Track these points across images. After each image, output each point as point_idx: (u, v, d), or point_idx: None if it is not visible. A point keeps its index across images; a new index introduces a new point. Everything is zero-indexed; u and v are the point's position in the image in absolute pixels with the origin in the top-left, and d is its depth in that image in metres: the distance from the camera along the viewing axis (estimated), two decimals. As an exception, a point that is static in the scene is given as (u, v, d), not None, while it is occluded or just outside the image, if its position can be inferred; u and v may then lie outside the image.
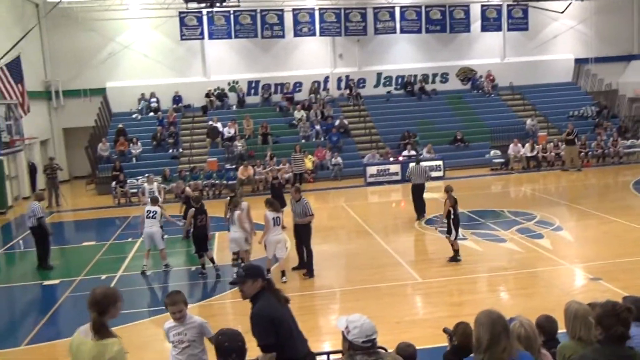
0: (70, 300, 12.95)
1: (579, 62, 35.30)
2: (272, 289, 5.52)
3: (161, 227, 14.83)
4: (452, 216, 13.78)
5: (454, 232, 13.76)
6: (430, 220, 18.08)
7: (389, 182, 25.59)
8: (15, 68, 24.79)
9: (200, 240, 13.97)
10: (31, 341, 10.67)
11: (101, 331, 4.59)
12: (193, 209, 13.98)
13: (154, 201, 15.02)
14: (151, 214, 14.46)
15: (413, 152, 26.82)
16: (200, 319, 6.18)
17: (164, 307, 6.50)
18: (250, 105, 32.48)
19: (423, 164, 19.96)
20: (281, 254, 13.17)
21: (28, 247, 18.86)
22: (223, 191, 24.39)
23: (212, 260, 14.19)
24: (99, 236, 19.19)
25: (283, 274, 13.18)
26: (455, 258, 13.80)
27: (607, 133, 29.19)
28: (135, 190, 24.66)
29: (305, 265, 13.57)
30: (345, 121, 30.36)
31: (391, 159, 26.80)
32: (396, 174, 25.63)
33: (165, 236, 15.15)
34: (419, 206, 18.54)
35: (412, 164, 19.94)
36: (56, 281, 14.33)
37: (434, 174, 26.01)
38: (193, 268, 14.84)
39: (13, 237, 20.11)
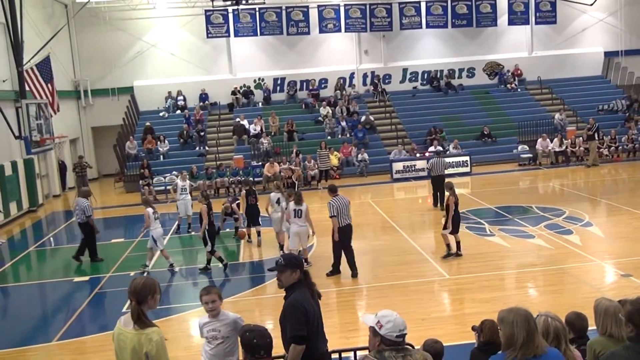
0: (100, 297, 13.14)
1: (608, 55, 34.70)
2: (308, 282, 5.56)
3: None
4: (452, 213, 13.82)
5: (450, 227, 13.80)
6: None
7: (416, 178, 25.48)
8: (45, 68, 25.21)
9: (212, 236, 14.20)
10: (62, 337, 10.84)
11: (140, 320, 4.63)
12: (204, 206, 14.17)
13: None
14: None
15: (440, 148, 26.64)
16: (234, 314, 6.17)
17: (190, 304, 6.55)
18: (275, 102, 32.58)
19: (446, 159, 20.85)
20: (305, 245, 13.89)
21: (59, 244, 19.26)
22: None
23: (220, 258, 14.37)
24: (128, 233, 19.45)
25: (306, 260, 13.67)
26: (448, 254, 13.84)
27: (638, 127, 28.66)
28: (162, 188, 24.91)
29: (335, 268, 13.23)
30: (371, 117, 30.29)
31: (417, 154, 26.68)
32: (423, 169, 25.50)
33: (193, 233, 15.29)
34: (440, 196, 19.37)
35: (432, 159, 20.96)
36: (86, 278, 14.54)
37: (460, 169, 26.00)
38: (220, 265, 14.97)
39: (44, 235, 20.45)
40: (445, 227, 13.92)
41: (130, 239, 18.29)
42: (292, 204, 13.70)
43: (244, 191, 16.56)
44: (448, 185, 14.41)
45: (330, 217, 12.76)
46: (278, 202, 15.31)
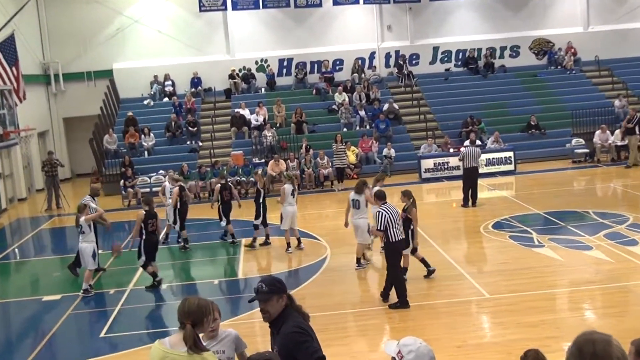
0: (74, 319, 13.21)
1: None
2: (295, 306, 5.54)
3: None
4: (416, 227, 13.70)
5: (411, 244, 13.52)
6: (500, 224, 17.91)
7: (449, 178, 25.40)
8: (8, 48, 25.36)
9: (151, 248, 14.34)
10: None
11: (196, 345, 4.88)
12: (143, 211, 14.39)
13: None
14: None
15: (478, 142, 26.55)
16: (234, 331, 6.21)
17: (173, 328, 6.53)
18: (281, 88, 32.63)
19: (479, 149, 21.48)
20: (365, 239, 14.72)
21: (25, 256, 19.40)
22: (250, 190, 24.53)
23: (154, 274, 14.51)
24: (106, 243, 19.48)
25: (358, 261, 14.64)
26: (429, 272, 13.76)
27: None
28: (146, 190, 25.01)
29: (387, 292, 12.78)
30: (395, 105, 30.24)
31: (451, 150, 26.60)
32: (457, 168, 25.40)
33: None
34: (472, 193, 19.90)
35: (463, 148, 21.66)
36: (57, 297, 14.61)
37: (503, 167, 25.92)
38: (216, 282, 15.03)
39: (8, 245, 20.58)
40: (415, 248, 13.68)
41: (108, 250, 18.31)
42: (351, 194, 14.81)
43: (219, 185, 17.81)
44: (406, 193, 13.72)
45: (378, 230, 12.24)
46: (293, 194, 16.39)
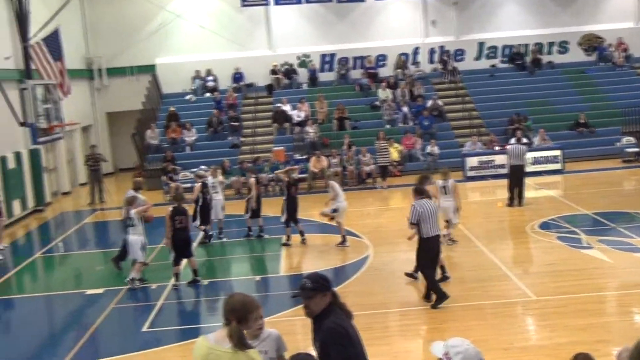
0: (117, 313, 13.40)
1: None
2: (339, 303, 5.54)
3: None
4: None
5: None
6: (547, 224, 17.69)
7: (494, 177, 25.16)
8: (53, 43, 25.74)
9: (180, 245, 14.36)
10: (72, 359, 11.06)
11: (241, 342, 4.91)
12: (171, 208, 14.48)
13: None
14: None
15: (525, 140, 26.24)
16: (276, 331, 6.14)
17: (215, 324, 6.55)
18: (324, 84, 32.66)
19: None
20: (456, 220, 15.88)
21: (69, 250, 19.73)
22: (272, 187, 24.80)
23: (194, 271, 14.60)
24: (149, 238, 19.69)
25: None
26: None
27: None
28: (188, 185, 25.20)
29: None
30: (440, 102, 30.08)
31: (496, 147, 26.34)
32: (502, 166, 25.13)
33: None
34: (518, 192, 19.85)
35: (509, 146, 21.78)
36: (100, 290, 14.83)
37: (550, 166, 25.60)
38: (257, 278, 15.12)
39: (52, 239, 20.96)
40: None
41: (151, 245, 18.52)
42: (439, 181, 15.68)
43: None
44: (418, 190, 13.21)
45: (410, 223, 12.26)
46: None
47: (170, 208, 14.64)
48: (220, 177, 19.32)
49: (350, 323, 5.50)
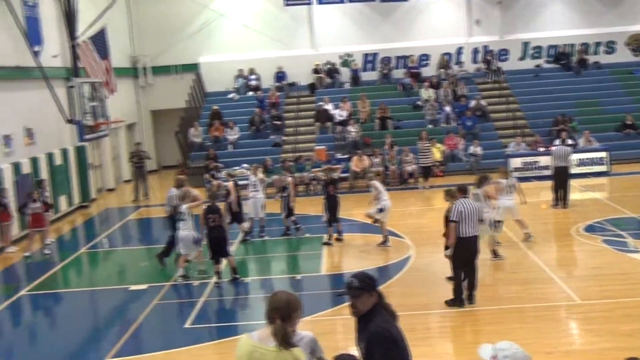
0: (160, 309, 13.55)
1: None
2: (384, 304, 5.52)
3: None
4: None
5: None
6: (592, 227, 17.44)
7: (538, 178, 24.86)
8: (100, 42, 26.20)
9: (214, 244, 14.38)
10: (117, 354, 11.21)
11: (286, 341, 4.95)
12: (205, 206, 14.51)
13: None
14: None
15: (570, 141, 25.91)
16: (311, 334, 6.11)
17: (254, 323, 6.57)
18: (366, 83, 32.62)
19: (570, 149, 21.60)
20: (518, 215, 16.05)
21: (113, 246, 20.03)
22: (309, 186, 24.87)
23: (234, 269, 14.69)
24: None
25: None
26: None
27: None
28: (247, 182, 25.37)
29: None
30: (483, 102, 29.85)
31: (541, 149, 26.04)
32: (547, 167, 24.84)
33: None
34: (563, 194, 19.76)
35: (554, 147, 21.76)
36: (144, 286, 15.01)
37: (596, 168, 25.22)
38: (298, 277, 15.17)
39: (96, 234, 21.30)
40: (446, 247, 12.97)
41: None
42: (503, 180, 15.82)
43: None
44: (450, 192, 13.19)
45: (451, 221, 12.15)
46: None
47: (204, 206, 14.73)
48: (261, 175, 19.36)
49: (396, 325, 5.48)
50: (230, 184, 18.27)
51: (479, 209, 12.52)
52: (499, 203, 15.55)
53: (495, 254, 15.05)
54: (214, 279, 14.62)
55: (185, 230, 14.89)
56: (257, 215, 18.59)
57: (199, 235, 14.91)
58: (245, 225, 18.31)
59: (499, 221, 15.35)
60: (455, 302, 12.29)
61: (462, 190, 12.65)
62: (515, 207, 16.21)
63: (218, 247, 14.47)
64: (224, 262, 14.80)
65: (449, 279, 13.10)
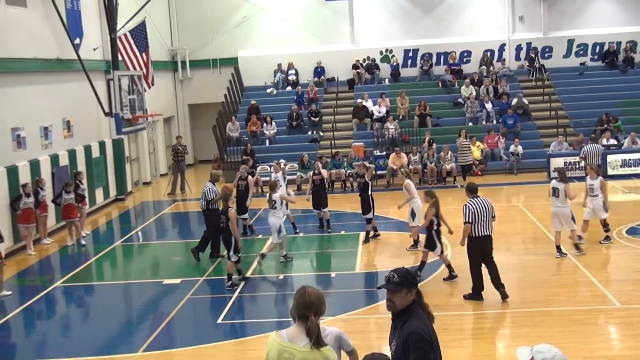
0: (192, 303, 13.64)
1: None
2: (422, 303, 5.49)
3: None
4: (434, 227, 13.80)
5: (438, 245, 13.83)
6: (634, 229, 17.13)
7: (580, 179, 24.44)
8: (139, 35, 26.46)
9: (228, 243, 14.27)
10: (148, 347, 11.32)
11: (319, 338, 4.95)
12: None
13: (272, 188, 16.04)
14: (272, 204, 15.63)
15: (613, 141, 25.47)
16: (337, 329, 6.06)
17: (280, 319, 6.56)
18: (406, 79, 32.49)
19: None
20: (573, 226, 15.28)
21: (148, 239, 20.23)
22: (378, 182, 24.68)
23: (229, 275, 14.35)
24: (192, 233, 20.04)
25: (558, 249, 15.06)
26: (451, 276, 13.86)
27: None
28: (267, 178, 25.44)
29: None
30: (525, 100, 29.50)
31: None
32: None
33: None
34: None
35: (585, 146, 21.99)
36: (177, 280, 15.13)
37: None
38: (333, 274, 15.14)
39: (132, 228, 21.53)
40: (431, 247, 13.90)
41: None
42: (553, 181, 15.47)
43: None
44: (429, 192, 14.24)
45: (465, 223, 12.39)
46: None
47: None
48: (281, 172, 19.34)
49: (432, 328, 5.44)
50: (250, 179, 18.38)
51: (490, 208, 12.55)
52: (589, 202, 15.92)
53: (578, 247, 15.32)
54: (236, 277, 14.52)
55: (273, 217, 15.43)
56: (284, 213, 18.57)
57: (282, 226, 15.55)
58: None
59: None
60: (473, 296, 12.60)
61: (472, 190, 12.85)
62: (599, 207, 15.92)
63: (229, 247, 14.28)
64: (235, 259, 14.32)
65: (446, 279, 13.86)
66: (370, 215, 17.22)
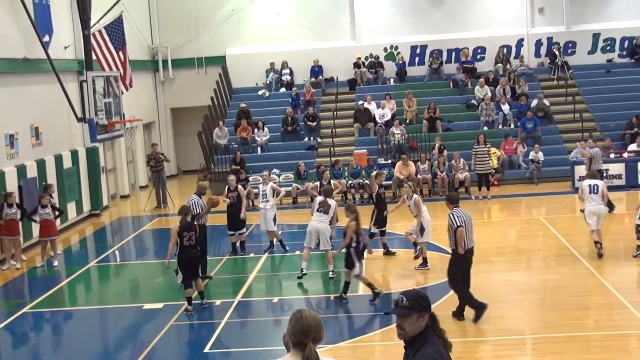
0: (175, 330, 13.63)
1: None
2: (437, 329, 5.45)
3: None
4: (353, 244, 14.11)
5: (357, 265, 14.10)
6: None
7: (609, 188, 24.50)
8: (115, 31, 26.48)
9: (186, 264, 14.04)
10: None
11: None
12: (178, 223, 14.26)
13: None
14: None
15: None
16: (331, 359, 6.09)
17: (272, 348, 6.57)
18: (413, 79, 32.63)
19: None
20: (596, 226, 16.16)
21: (126, 259, 20.22)
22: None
23: (200, 294, 14.49)
24: (214, 249, 20.02)
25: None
26: (375, 294, 14.20)
27: None
28: (256, 191, 25.47)
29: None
30: (546, 101, 29.62)
31: (612, 155, 25.75)
32: (619, 176, 24.59)
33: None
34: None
35: (591, 149, 22.89)
36: (159, 305, 15.13)
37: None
38: (332, 297, 15.15)
39: (108, 247, 21.53)
40: (350, 266, 14.22)
41: (217, 256, 18.82)
42: (587, 180, 16.53)
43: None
44: (349, 208, 14.60)
45: (457, 227, 12.66)
46: None
47: (177, 223, 14.36)
48: (272, 184, 19.42)
49: (449, 355, 5.41)
50: (241, 189, 18.51)
51: (471, 219, 13.04)
52: None
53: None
54: (186, 306, 14.38)
55: (320, 223, 15.87)
56: (266, 228, 18.69)
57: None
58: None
59: None
60: (479, 313, 12.73)
61: (453, 200, 13.34)
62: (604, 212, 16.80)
63: (190, 268, 14.09)
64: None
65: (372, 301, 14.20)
66: (377, 229, 17.65)
